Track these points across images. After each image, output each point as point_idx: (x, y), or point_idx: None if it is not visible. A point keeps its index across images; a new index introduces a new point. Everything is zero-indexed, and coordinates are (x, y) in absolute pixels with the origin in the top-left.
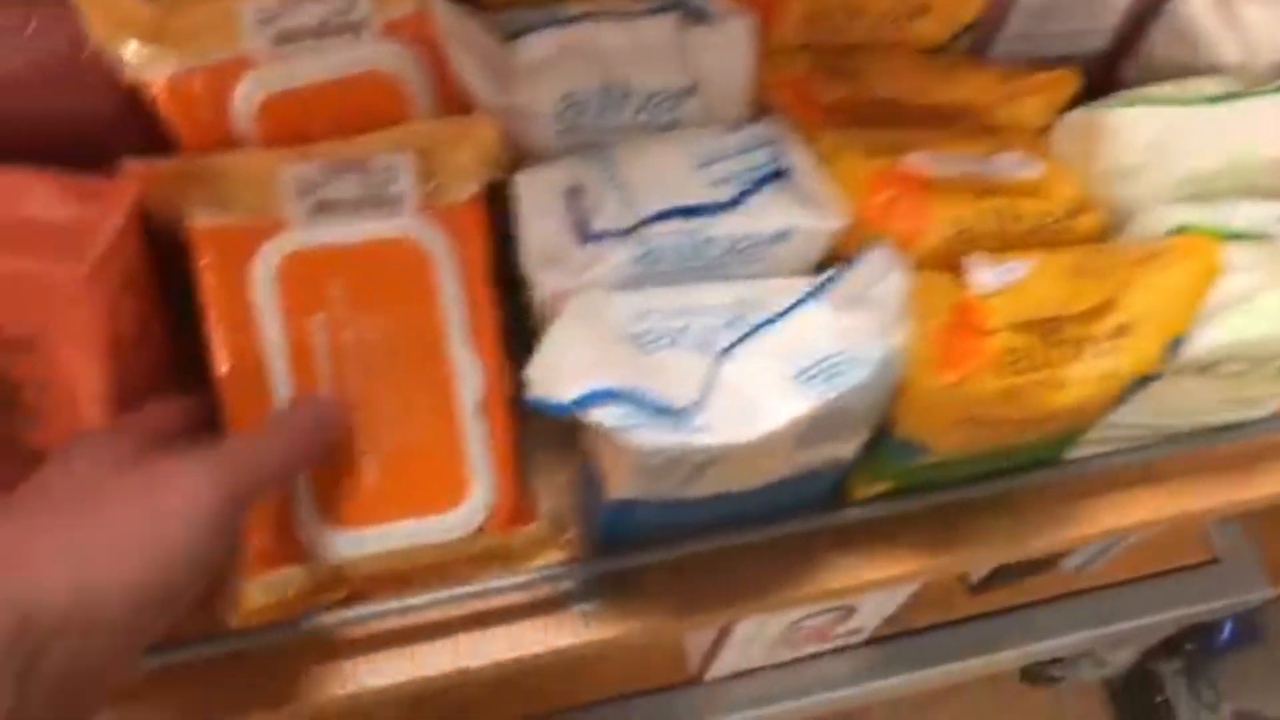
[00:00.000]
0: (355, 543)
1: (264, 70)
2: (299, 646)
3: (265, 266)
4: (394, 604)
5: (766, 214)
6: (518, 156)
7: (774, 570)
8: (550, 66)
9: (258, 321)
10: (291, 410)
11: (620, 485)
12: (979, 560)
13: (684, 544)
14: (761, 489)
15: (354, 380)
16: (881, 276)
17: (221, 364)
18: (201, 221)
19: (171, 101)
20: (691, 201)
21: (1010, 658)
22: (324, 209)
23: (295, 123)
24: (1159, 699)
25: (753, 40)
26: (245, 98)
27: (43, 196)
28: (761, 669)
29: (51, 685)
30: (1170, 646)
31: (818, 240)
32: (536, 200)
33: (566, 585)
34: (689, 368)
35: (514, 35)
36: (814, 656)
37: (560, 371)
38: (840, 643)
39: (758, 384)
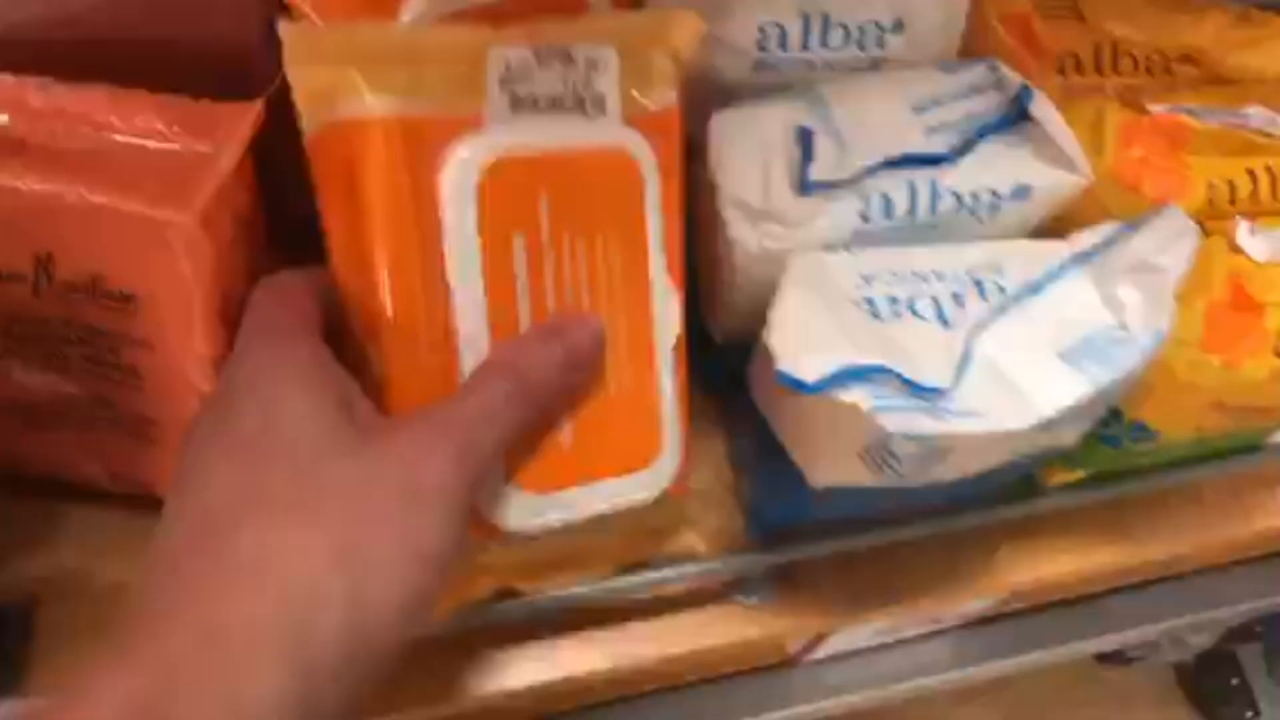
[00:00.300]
0: (535, 509)
1: None
2: (436, 642)
3: (460, 171)
4: (552, 595)
5: (1003, 167)
6: (706, 93)
7: (948, 565)
8: None
9: (446, 242)
10: (537, 344)
11: (833, 473)
12: (1163, 553)
13: (861, 534)
14: (963, 479)
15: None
16: (1169, 244)
17: (390, 297)
18: (375, 109)
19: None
20: (915, 150)
21: (1112, 641)
22: (521, 105)
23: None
24: (1235, 681)
25: None
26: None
27: (155, 123)
28: (859, 651)
29: (321, 706)
30: (1250, 628)
31: (1056, 198)
32: (738, 144)
33: (730, 576)
34: (931, 341)
35: None
36: (915, 639)
37: (801, 345)
38: (945, 624)
39: (1020, 362)
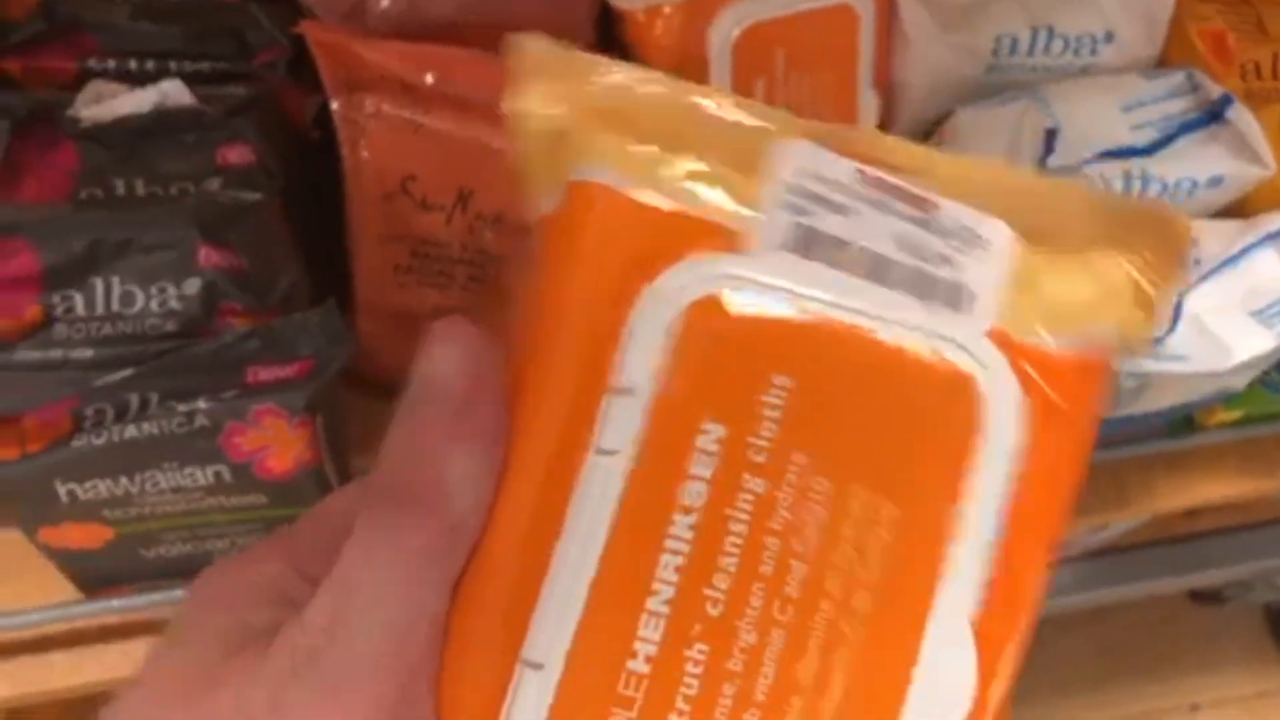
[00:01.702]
0: None
1: (742, 4)
2: None
3: (660, 304)
4: None
5: (1201, 160)
6: (945, 97)
7: (1114, 487)
8: (983, 9)
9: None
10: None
11: None
12: None
13: None
14: (1143, 414)
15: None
16: None
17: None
18: (597, 178)
19: (646, 30)
20: (1124, 144)
21: (1214, 576)
22: (817, 247)
23: (764, 54)
24: None
25: None
26: (723, 31)
27: None
28: None
29: None
30: None
31: (1241, 187)
32: (985, 138)
33: None
34: None
35: None
36: None
37: None
38: (1071, 552)
39: (1219, 319)
